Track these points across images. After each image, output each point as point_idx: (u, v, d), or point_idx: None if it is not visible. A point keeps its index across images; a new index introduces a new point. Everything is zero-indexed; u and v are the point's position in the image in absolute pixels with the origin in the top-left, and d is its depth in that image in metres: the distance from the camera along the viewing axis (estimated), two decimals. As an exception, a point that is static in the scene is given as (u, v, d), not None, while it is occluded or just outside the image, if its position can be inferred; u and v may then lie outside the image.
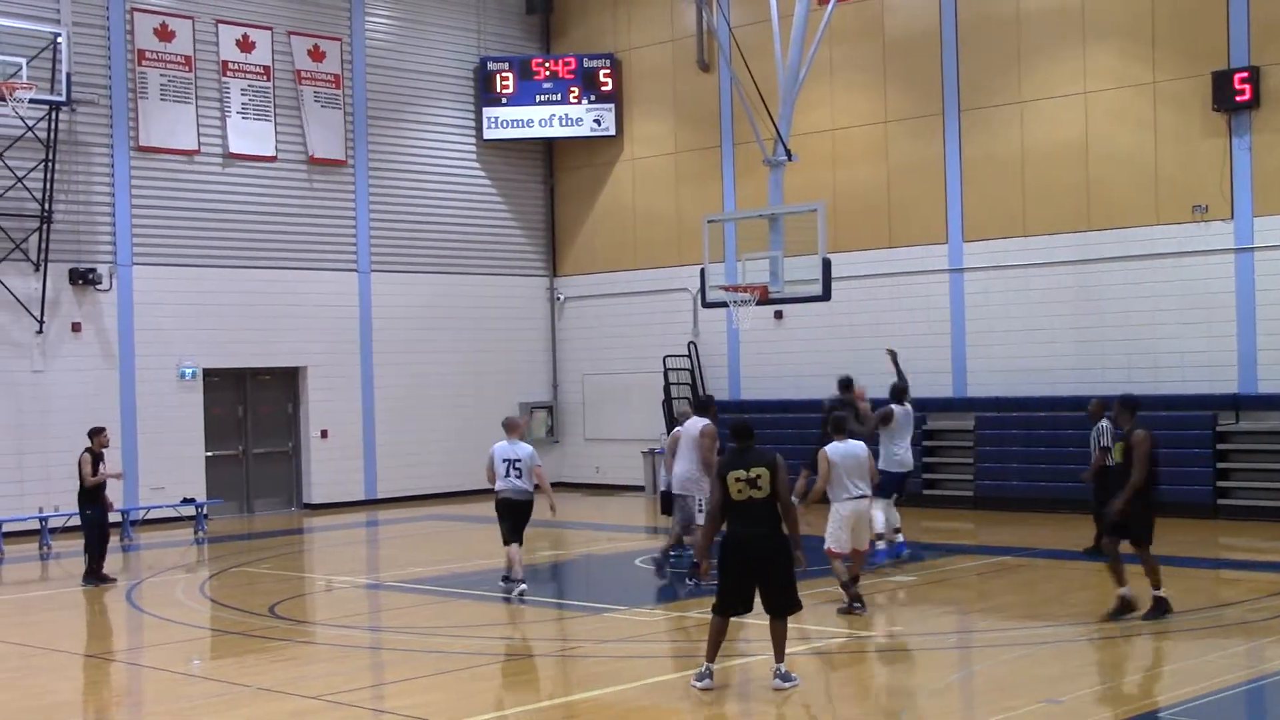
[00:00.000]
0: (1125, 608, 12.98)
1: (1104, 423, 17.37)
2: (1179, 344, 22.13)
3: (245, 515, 25.90)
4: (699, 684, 10.67)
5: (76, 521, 21.65)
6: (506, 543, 15.54)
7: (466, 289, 28.84)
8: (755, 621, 13.58)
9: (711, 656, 10.75)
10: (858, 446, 13.92)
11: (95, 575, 17.61)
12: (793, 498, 11.06)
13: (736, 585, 10.70)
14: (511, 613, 14.79)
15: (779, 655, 10.78)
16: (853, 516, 13.72)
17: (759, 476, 10.63)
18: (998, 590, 15.52)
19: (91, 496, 17.82)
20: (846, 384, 17.42)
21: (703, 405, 16.88)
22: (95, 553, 17.68)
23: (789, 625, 10.94)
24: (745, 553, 10.64)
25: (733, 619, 10.88)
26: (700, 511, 15.98)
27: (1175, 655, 12.07)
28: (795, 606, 10.85)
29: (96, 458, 17.82)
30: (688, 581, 15.64)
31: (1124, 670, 11.77)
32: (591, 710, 10.52)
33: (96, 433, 18.11)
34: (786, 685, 10.64)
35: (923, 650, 12.58)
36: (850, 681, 11.44)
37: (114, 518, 19.34)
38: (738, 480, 10.65)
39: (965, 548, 18.24)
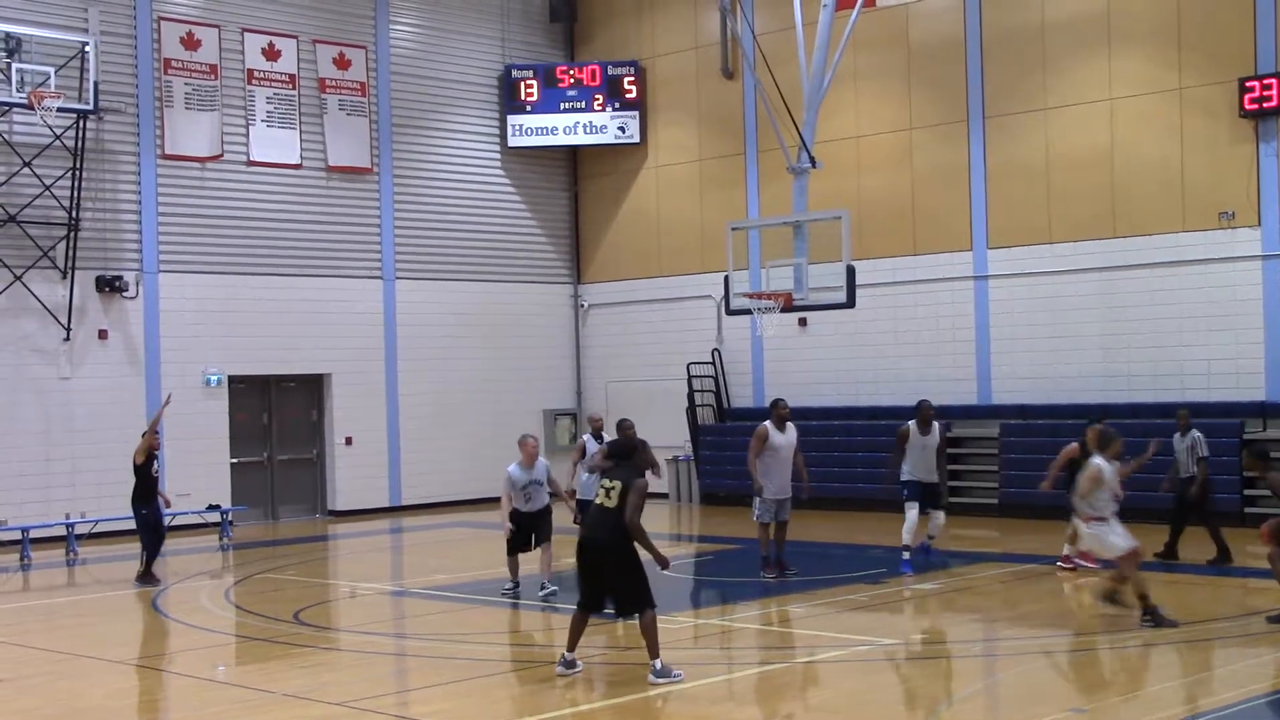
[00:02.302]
0: None
1: (1196, 432, 17.29)
2: (1205, 351, 22.02)
3: (270, 522, 25.98)
4: (558, 669, 11.52)
5: (103, 528, 22.01)
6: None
7: (491, 296, 28.89)
8: (776, 629, 13.55)
9: (570, 646, 11.59)
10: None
11: (148, 575, 17.93)
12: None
13: (584, 583, 11.75)
14: (535, 619, 14.79)
15: (649, 652, 11.32)
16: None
17: (613, 489, 11.48)
18: (1022, 598, 15.45)
19: (145, 497, 18.12)
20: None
21: (769, 407, 17.18)
22: (152, 552, 17.96)
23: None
24: (585, 553, 11.64)
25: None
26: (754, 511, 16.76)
27: (1202, 664, 11.99)
28: (637, 608, 11.42)
29: (152, 456, 18.27)
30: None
31: (1149, 679, 11.70)
32: (615, 717, 10.51)
33: (148, 434, 18.65)
34: (659, 680, 11.11)
35: (948, 658, 12.53)
36: (876, 688, 11.40)
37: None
38: (600, 488, 11.67)
39: (990, 555, 18.17)
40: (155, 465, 18.35)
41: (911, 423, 16.96)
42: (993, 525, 22.43)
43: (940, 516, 17.25)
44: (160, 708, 11.70)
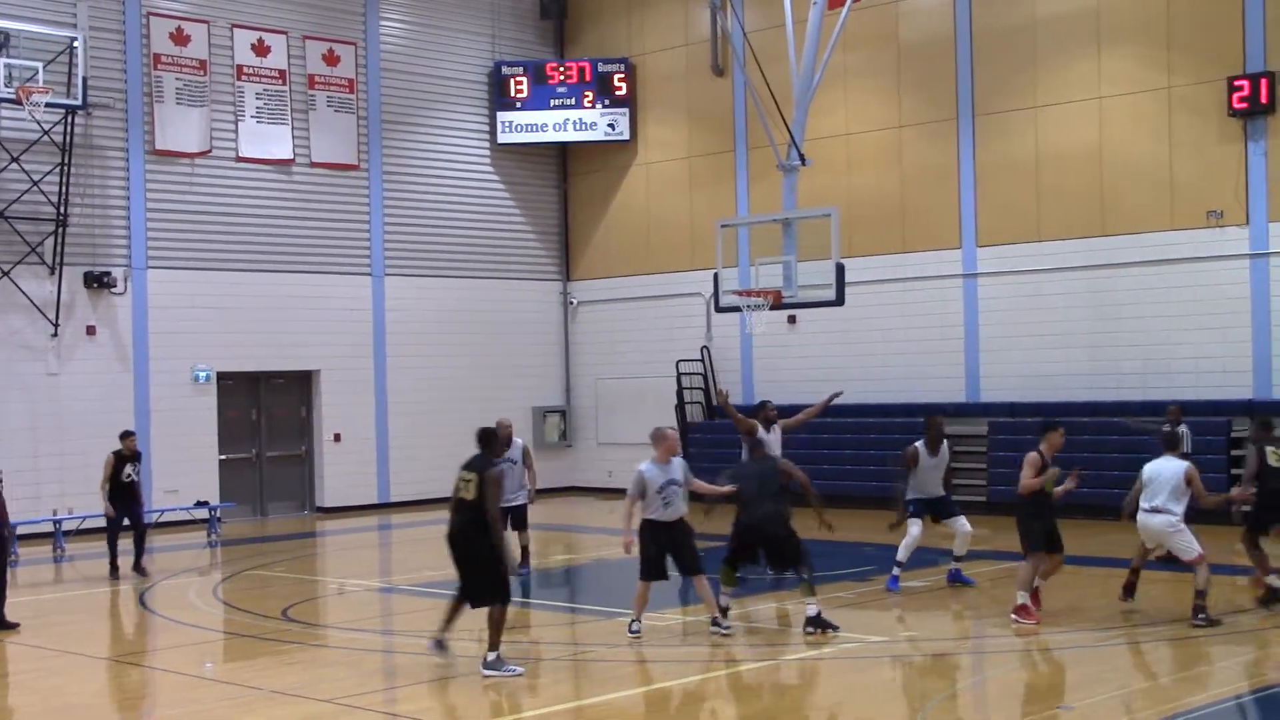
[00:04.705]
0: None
1: (1183, 428, 17.46)
2: (1194, 349, 22.08)
3: (258, 518, 25.95)
4: (432, 651, 11.93)
5: (90, 525, 21.99)
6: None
7: (480, 293, 28.87)
8: (764, 626, 13.56)
9: (442, 629, 12.02)
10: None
11: (136, 568, 18.43)
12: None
13: (457, 572, 11.89)
14: (523, 617, 14.79)
15: (490, 643, 11.51)
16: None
17: (470, 481, 11.69)
18: (1011, 596, 15.45)
19: (116, 495, 18.51)
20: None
21: (757, 408, 17.36)
22: (115, 549, 18.46)
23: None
24: (450, 543, 11.82)
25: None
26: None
27: (1188, 662, 12.03)
28: (490, 600, 11.56)
29: (123, 460, 18.47)
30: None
31: (1137, 677, 11.73)
32: (604, 715, 10.52)
33: (126, 436, 18.84)
34: (490, 674, 11.33)
35: (936, 656, 12.55)
36: (864, 686, 11.42)
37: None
38: (459, 480, 11.84)
39: (978, 553, 18.14)
40: (130, 469, 18.63)
41: (919, 443, 15.76)
42: (981, 523, 22.19)
43: (960, 523, 15.85)
44: (148, 704, 11.68)
